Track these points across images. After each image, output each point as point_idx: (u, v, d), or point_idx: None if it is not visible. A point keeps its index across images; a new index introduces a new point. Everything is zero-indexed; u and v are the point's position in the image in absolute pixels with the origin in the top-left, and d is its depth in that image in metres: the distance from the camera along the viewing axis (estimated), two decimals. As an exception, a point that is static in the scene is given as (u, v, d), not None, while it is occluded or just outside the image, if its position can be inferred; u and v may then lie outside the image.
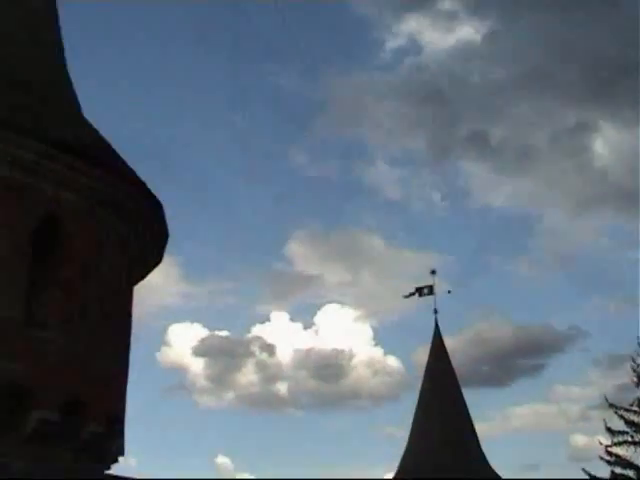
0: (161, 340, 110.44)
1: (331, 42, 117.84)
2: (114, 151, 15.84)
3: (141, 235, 16.13)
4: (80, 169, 14.31)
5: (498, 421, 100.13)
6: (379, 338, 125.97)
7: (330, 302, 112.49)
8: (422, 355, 48.22)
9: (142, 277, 17.73)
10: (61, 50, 17.36)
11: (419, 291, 47.37)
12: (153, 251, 17.10)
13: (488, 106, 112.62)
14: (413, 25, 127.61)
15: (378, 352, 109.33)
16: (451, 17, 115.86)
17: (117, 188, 15.05)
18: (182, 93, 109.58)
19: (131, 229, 15.75)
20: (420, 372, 46.59)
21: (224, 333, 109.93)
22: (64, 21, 17.67)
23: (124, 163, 15.72)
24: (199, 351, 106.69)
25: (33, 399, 13.15)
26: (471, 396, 60.91)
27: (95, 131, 16.10)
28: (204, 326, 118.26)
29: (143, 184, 15.61)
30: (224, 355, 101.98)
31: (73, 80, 17.29)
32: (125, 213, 15.42)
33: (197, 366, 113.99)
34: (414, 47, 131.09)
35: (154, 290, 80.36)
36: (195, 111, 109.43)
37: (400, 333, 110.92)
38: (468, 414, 44.18)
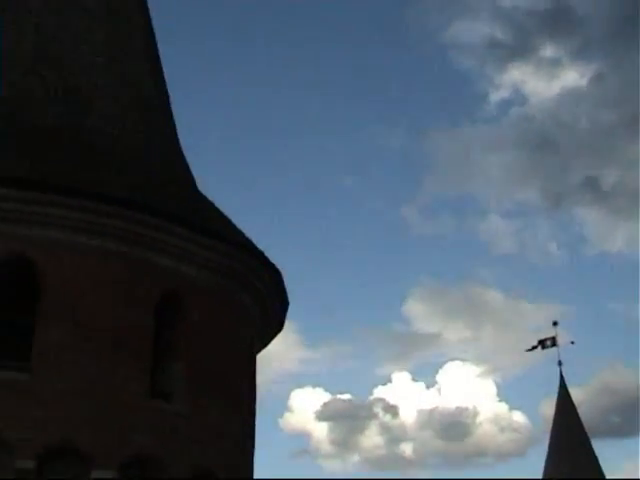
0: (284, 406, 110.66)
1: (435, 98, 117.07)
2: (231, 222, 16.09)
3: (262, 304, 16.25)
4: (198, 243, 14.61)
5: (630, 472, 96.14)
6: (503, 394, 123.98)
7: (451, 359, 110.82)
8: (548, 408, 47.32)
9: (264, 345, 17.85)
10: (174, 130, 17.87)
11: (542, 344, 46.44)
12: (274, 319, 17.19)
13: (599, 150, 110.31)
14: (516, 75, 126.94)
15: (503, 408, 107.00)
16: (554, 63, 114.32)
17: (236, 259, 15.27)
18: (290, 156, 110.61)
19: (252, 299, 15.90)
20: (547, 426, 45.60)
21: (346, 396, 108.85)
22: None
23: (242, 234, 15.94)
24: (322, 415, 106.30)
25: (163, 470, 13.34)
26: (601, 447, 59.48)
27: (211, 204, 16.40)
28: (326, 390, 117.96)
29: (262, 254, 15.75)
30: (347, 418, 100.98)
31: (191, 156, 17.81)
32: (245, 284, 15.59)
33: (321, 430, 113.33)
34: (519, 97, 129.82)
35: (275, 357, 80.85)
36: (306, 174, 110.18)
37: (524, 387, 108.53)
38: (599, 466, 42.98)
